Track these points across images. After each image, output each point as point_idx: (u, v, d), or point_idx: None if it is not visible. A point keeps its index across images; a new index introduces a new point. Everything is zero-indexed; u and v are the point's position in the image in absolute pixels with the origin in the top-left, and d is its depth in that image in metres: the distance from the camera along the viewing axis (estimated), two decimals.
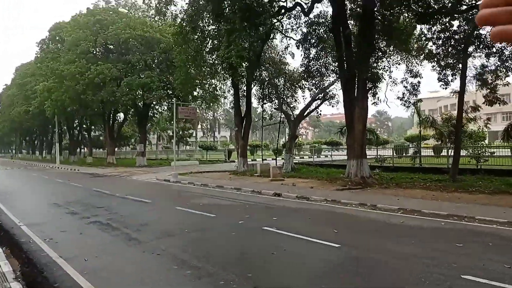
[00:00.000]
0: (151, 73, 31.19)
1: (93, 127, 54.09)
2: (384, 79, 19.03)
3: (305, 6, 19.95)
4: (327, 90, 21.97)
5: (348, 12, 18.15)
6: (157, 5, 22.17)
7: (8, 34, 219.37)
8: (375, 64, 18.14)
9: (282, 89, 23.84)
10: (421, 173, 17.47)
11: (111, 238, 7.82)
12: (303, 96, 27.01)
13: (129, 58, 32.40)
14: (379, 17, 16.94)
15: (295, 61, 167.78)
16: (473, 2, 14.66)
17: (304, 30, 20.71)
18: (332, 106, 24.63)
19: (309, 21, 20.20)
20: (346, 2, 17.42)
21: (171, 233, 8.16)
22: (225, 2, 18.52)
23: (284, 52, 24.61)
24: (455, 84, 34.52)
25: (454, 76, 16.50)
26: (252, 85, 24.70)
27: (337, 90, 21.92)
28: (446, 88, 17.50)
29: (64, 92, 33.45)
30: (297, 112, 24.15)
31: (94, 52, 35.48)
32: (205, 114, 72.36)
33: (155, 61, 33.69)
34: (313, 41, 20.02)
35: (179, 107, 22.94)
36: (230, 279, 5.21)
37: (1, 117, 65.26)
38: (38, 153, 76.00)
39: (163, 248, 6.78)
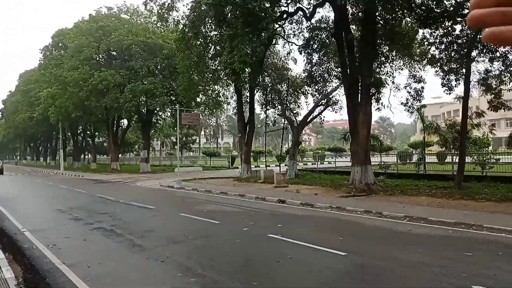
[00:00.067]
0: (154, 79, 31.32)
1: (97, 133, 54.32)
2: (388, 85, 19.00)
3: (307, 11, 19.97)
4: (330, 96, 21.92)
5: (350, 16, 18.10)
6: (159, 11, 22.29)
7: (8, 34, 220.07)
8: (378, 69, 18.10)
9: (285, 95, 23.83)
10: (426, 180, 17.35)
11: (115, 245, 7.76)
12: (306, 102, 26.88)
13: (132, 65, 32.59)
14: (381, 22, 16.86)
15: (297, 66, 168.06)
16: None
17: (306, 35, 20.68)
18: (336, 112, 24.52)
19: (311, 26, 20.20)
20: (348, 7, 17.42)
21: (175, 240, 8.10)
22: (227, 8, 18.61)
23: (286, 57, 24.49)
24: (459, 90, 34.33)
25: (457, 81, 16.37)
26: (255, 91, 24.72)
27: (340, 95, 21.90)
28: (450, 94, 17.39)
29: (68, 98, 33.66)
30: (300, 118, 24.09)
31: (97, 59, 35.76)
32: (208, 120, 72.56)
33: (158, 67, 33.87)
34: (316, 46, 19.94)
35: (183, 113, 22.99)
36: (235, 287, 5.14)
37: (6, 124, 65.82)
38: (43, 159, 76.33)
39: (168, 255, 6.71)
